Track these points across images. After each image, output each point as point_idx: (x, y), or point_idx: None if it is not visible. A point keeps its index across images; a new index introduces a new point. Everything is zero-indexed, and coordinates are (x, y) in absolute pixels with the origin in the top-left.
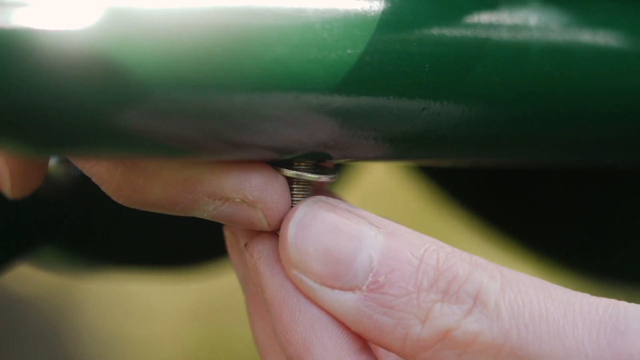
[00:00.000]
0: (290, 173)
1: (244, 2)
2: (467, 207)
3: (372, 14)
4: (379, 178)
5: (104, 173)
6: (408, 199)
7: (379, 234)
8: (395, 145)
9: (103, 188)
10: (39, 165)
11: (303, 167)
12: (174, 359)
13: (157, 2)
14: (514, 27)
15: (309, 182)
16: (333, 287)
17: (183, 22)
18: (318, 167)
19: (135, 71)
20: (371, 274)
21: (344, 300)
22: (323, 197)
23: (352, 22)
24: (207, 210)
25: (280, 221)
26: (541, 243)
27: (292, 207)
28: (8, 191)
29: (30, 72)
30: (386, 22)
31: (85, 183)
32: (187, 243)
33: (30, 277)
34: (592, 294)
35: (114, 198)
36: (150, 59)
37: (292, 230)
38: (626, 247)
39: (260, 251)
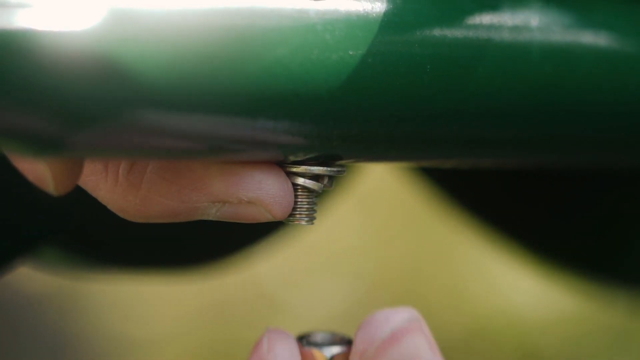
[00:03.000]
0: (300, 168)
1: (246, 3)
2: (467, 208)
3: (374, 15)
4: (380, 179)
5: (105, 195)
6: (408, 199)
7: None
8: (396, 146)
9: (109, 208)
10: (77, 161)
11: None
12: None
13: (160, 3)
14: (515, 28)
15: (316, 175)
16: None
17: (185, 23)
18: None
19: (138, 72)
20: None
21: None
22: None
23: (354, 23)
24: (211, 213)
25: (286, 211)
26: (542, 244)
27: (296, 197)
28: (52, 189)
29: (33, 73)
30: (388, 23)
31: None
32: (188, 243)
33: (32, 279)
34: (593, 295)
35: (122, 217)
36: (152, 60)
37: None
38: (628, 248)
39: None
